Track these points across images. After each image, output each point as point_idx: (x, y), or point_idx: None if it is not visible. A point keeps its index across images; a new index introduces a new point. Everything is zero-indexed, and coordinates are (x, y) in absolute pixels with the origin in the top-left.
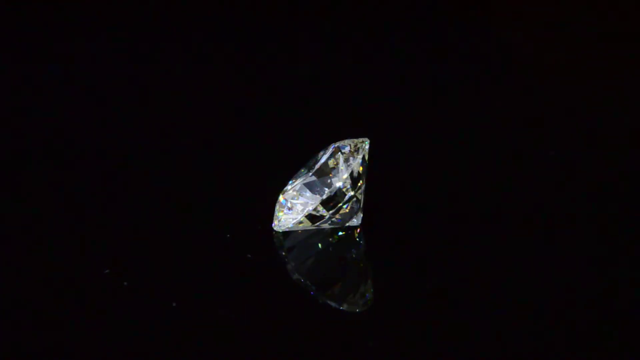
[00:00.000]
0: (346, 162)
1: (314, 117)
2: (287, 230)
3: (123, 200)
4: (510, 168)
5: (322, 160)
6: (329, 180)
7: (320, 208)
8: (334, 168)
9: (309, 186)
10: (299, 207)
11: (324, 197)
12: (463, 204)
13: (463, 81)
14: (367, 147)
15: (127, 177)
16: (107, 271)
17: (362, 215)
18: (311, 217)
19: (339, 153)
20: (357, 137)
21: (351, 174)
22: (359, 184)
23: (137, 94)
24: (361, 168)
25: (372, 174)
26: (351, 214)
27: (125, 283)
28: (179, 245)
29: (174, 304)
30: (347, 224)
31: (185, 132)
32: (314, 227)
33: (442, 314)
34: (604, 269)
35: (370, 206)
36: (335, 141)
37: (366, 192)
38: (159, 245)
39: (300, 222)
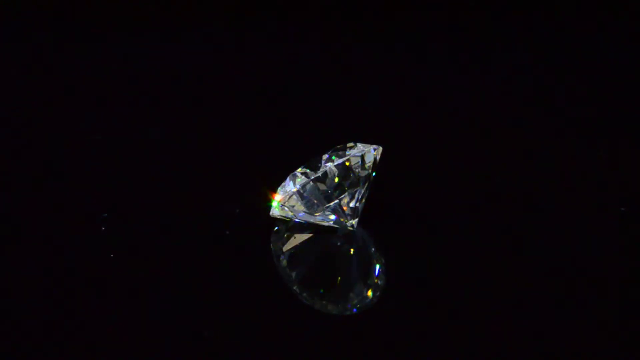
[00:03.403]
0: (327, 161)
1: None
2: (279, 218)
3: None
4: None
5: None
6: (305, 176)
7: (295, 198)
8: (320, 164)
9: (296, 176)
10: (282, 194)
11: (289, 188)
12: (463, 205)
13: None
14: (357, 151)
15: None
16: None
17: (354, 221)
18: (296, 207)
19: (331, 151)
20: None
21: (325, 173)
22: (347, 189)
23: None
24: (335, 169)
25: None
26: (342, 216)
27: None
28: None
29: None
30: (343, 226)
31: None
32: (310, 221)
33: (442, 314)
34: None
35: (370, 207)
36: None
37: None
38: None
39: (285, 209)
